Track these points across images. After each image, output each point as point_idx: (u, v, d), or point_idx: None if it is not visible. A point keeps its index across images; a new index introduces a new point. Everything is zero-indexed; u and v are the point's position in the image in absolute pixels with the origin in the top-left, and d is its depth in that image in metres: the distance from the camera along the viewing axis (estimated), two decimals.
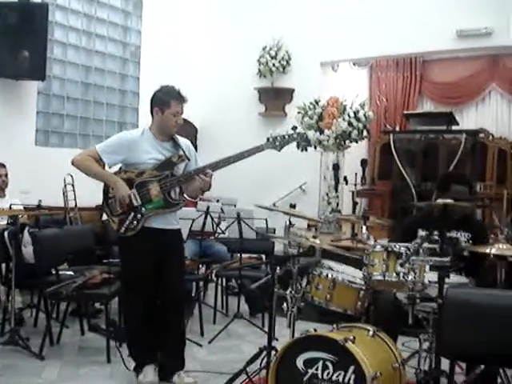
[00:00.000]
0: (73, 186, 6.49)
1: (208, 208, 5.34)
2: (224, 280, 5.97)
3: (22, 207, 5.61)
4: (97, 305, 5.38)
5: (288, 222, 3.73)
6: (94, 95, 7.79)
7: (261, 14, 8.66)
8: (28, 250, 4.79)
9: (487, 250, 3.26)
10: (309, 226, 7.10)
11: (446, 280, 3.24)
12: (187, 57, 8.75)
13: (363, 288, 3.39)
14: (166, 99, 3.75)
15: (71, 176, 6.46)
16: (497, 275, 3.29)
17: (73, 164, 3.80)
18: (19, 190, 5.97)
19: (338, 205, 7.08)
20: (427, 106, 9.79)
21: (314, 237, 3.56)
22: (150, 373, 3.83)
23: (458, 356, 2.57)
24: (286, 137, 3.81)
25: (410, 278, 3.05)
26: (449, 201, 3.22)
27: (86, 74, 7.69)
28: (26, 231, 4.96)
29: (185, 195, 4.16)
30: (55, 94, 7.34)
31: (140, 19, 8.37)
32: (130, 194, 3.69)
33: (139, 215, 3.73)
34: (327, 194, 7.16)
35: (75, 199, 6.55)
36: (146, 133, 3.83)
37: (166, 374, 3.88)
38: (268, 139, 3.80)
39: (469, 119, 9.50)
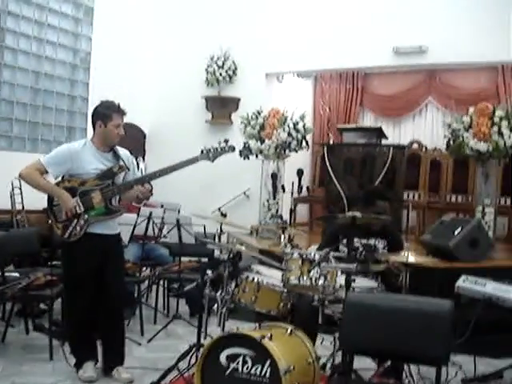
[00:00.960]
0: (20, 189, 6.64)
1: (150, 213, 5.62)
2: (166, 282, 6.24)
3: None
4: (41, 305, 5.56)
5: (219, 230, 4.05)
6: (44, 100, 7.96)
7: (209, 24, 8.97)
8: None
9: (394, 258, 3.65)
10: (251, 232, 7.42)
11: (358, 284, 3.63)
12: (137, 63, 8.99)
13: (285, 291, 3.74)
14: (108, 113, 4.01)
15: (18, 179, 6.62)
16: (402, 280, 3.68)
17: (20, 177, 4.06)
18: None
19: (277, 211, 7.44)
20: (368, 118, 10.21)
21: (241, 243, 3.89)
22: (89, 368, 4.10)
23: (357, 350, 2.93)
24: (219, 149, 4.12)
25: (321, 282, 3.42)
26: (357, 214, 3.58)
27: (36, 79, 7.85)
28: None
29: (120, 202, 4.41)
30: (5, 99, 7.50)
31: (91, 26, 8.56)
32: (75, 206, 3.94)
33: (82, 221, 3.98)
34: (267, 201, 7.52)
35: (22, 202, 6.70)
36: (88, 144, 4.08)
37: (106, 370, 4.17)
38: (202, 151, 4.11)
39: (406, 131, 9.95)
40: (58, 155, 4.06)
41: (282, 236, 3.78)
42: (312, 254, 3.47)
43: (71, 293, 4.17)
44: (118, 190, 4.05)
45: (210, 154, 4.11)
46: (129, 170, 4.13)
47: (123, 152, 4.20)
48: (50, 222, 4.10)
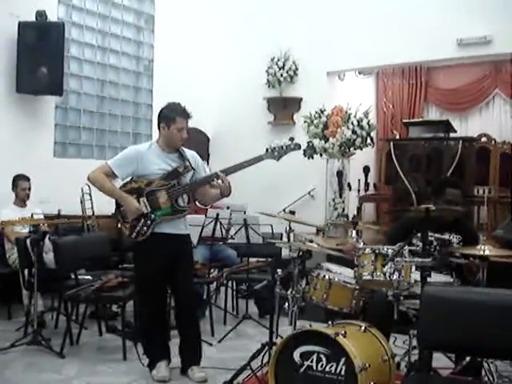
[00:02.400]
0: (90, 195, 6.79)
1: (217, 215, 5.63)
2: (234, 283, 6.26)
3: (42, 216, 5.94)
4: (114, 308, 5.67)
5: (288, 228, 4.02)
6: (109, 108, 8.14)
7: (268, 25, 8.95)
8: (49, 257, 5.11)
9: (471, 252, 3.53)
10: (318, 231, 7.37)
11: (433, 279, 3.53)
12: (198, 69, 9.07)
13: (357, 288, 3.67)
14: (172, 116, 4.06)
15: (88, 186, 6.79)
16: (479, 275, 3.55)
17: (88, 180, 4.15)
18: (39, 199, 6.31)
19: (343, 210, 7.35)
20: (432, 112, 10.00)
21: (311, 241, 3.85)
22: (162, 368, 4.14)
23: (435, 347, 2.84)
24: (284, 147, 4.11)
25: (395, 277, 3.33)
26: (430, 206, 3.48)
27: (101, 87, 8.03)
28: (46, 239, 5.22)
29: (197, 203, 4.45)
30: (72, 108, 7.69)
31: (152, 33, 8.70)
32: (137, 208, 4.01)
33: (149, 221, 4.04)
34: (333, 200, 7.44)
35: (92, 208, 6.86)
36: (153, 146, 4.15)
37: (183, 369, 4.24)
38: (267, 150, 4.12)
39: (473, 124, 9.69)
40: (124, 157, 4.14)
41: (353, 232, 3.72)
42: (385, 249, 3.40)
43: (143, 293, 4.24)
44: (184, 189, 4.09)
45: (276, 153, 4.11)
46: (194, 170, 4.15)
47: (189, 153, 4.23)
48: (118, 223, 4.18)
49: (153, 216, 4.05)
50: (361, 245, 3.60)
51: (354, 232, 3.73)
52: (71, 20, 7.57)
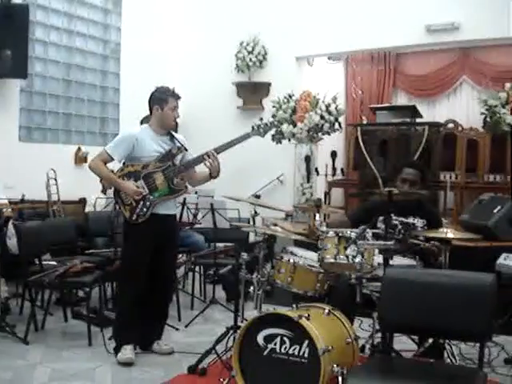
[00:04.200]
0: (55, 180, 6.71)
1: (184, 199, 5.61)
2: (202, 268, 6.25)
3: (6, 201, 5.84)
4: (79, 293, 5.62)
5: (254, 212, 4.03)
6: (76, 92, 8.00)
7: (237, 10, 8.89)
8: (12, 242, 5.04)
9: (434, 235, 3.56)
10: (287, 215, 7.38)
11: (397, 262, 3.56)
12: (166, 53, 8.98)
13: (322, 271, 3.69)
14: (164, 97, 4.23)
15: (54, 171, 6.70)
16: (441, 258, 3.60)
17: (89, 168, 4.29)
18: (3, 184, 6.20)
19: (311, 195, 7.37)
20: (401, 98, 10.05)
21: (275, 225, 3.86)
22: (128, 351, 4.18)
23: (396, 329, 2.86)
24: (268, 124, 4.40)
25: (358, 260, 3.36)
26: (392, 189, 3.50)
27: (68, 71, 7.89)
28: (10, 224, 5.17)
29: (188, 186, 4.54)
30: (37, 91, 7.54)
31: (119, 16, 8.56)
32: (137, 191, 4.14)
33: (148, 203, 4.19)
34: (301, 185, 7.46)
35: (58, 193, 6.77)
36: (146, 129, 4.28)
37: (146, 344, 4.36)
38: (253, 127, 4.36)
39: (441, 110, 9.77)
40: (120, 140, 4.27)
41: (317, 215, 3.73)
42: (348, 232, 3.41)
43: (129, 274, 4.25)
44: (180, 169, 4.24)
45: (261, 130, 4.35)
46: (186, 150, 4.33)
47: (179, 136, 4.43)
48: (117, 205, 4.40)
49: (151, 197, 4.19)
50: (324, 228, 3.62)
51: (318, 215, 3.74)
52: (36, 2, 7.41)
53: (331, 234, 3.47)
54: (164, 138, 4.29)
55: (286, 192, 8.22)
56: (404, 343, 4.13)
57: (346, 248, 3.34)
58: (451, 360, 3.86)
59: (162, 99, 4.21)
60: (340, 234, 3.42)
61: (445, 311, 2.69)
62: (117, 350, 4.22)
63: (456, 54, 9.61)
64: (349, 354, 3.34)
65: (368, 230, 3.37)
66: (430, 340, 3.70)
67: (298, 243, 4.64)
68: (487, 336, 2.68)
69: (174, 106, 4.26)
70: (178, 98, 4.29)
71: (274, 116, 6.16)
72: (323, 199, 6.59)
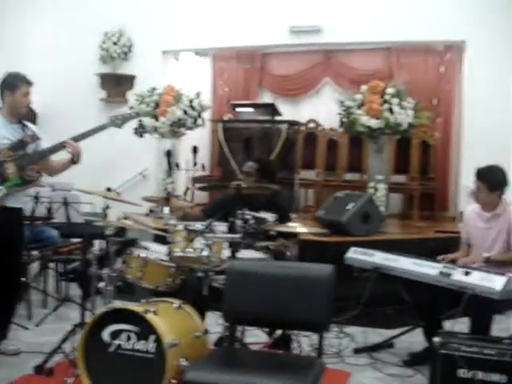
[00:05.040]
0: None
1: (38, 194, 5.38)
2: (57, 265, 6.01)
3: None
4: None
5: (105, 206, 3.93)
6: None
7: (103, 0, 8.67)
8: None
9: (284, 229, 3.64)
10: (150, 211, 7.26)
11: (246, 256, 3.60)
12: (26, 40, 8.59)
13: (173, 265, 3.65)
14: (16, 82, 4.11)
15: None
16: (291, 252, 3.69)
17: None
18: None
19: (174, 190, 7.33)
20: (267, 97, 10.19)
21: (126, 218, 3.79)
22: None
23: (240, 321, 2.89)
24: (126, 115, 4.32)
25: (205, 253, 3.36)
26: (241, 183, 3.55)
27: None
28: None
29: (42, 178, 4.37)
30: None
31: None
32: None
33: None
34: (163, 180, 7.39)
35: None
36: None
37: None
38: (110, 118, 4.26)
39: (304, 111, 9.99)
40: None
41: (166, 208, 3.70)
42: (197, 225, 3.41)
43: None
44: (32, 159, 4.06)
45: (118, 121, 4.24)
46: (39, 139, 4.18)
47: (30, 124, 4.28)
48: None
49: (1, 187, 3.97)
50: (173, 221, 3.59)
51: (167, 208, 3.71)
52: None
53: (180, 227, 3.45)
54: (15, 126, 4.13)
55: (150, 187, 8.10)
56: (259, 336, 4.22)
57: (191, 241, 3.34)
58: (301, 350, 3.96)
59: (13, 84, 4.09)
60: (189, 228, 3.41)
61: (287, 302, 2.75)
62: None
63: (319, 56, 9.89)
64: (197, 347, 3.33)
65: (216, 223, 3.39)
66: (279, 332, 3.78)
67: (158, 239, 4.59)
68: (326, 326, 2.76)
69: (26, 91, 4.13)
70: (29, 83, 4.16)
71: (131, 108, 6.03)
72: (183, 194, 6.56)
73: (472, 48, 7.55)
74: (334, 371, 4.13)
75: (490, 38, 7.33)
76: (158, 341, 3.08)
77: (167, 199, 3.73)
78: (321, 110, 9.87)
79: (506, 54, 7.23)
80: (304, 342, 4.09)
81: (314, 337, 4.32)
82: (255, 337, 4.23)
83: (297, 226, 3.68)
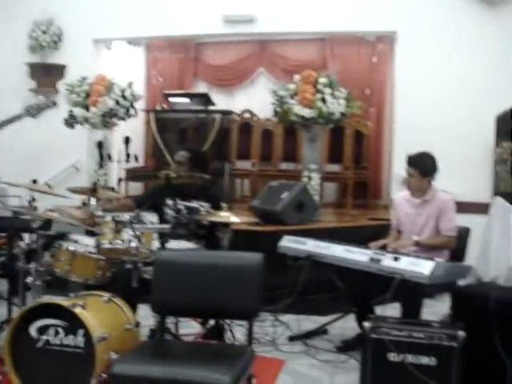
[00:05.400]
0: None
1: None
2: None
3: None
4: None
5: (31, 198, 3.81)
6: None
7: None
8: None
9: (216, 219, 3.61)
10: (83, 204, 7.09)
11: (178, 246, 3.56)
12: None
13: (102, 258, 3.58)
14: None
15: None
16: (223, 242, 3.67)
17: None
18: None
19: (106, 182, 7.18)
20: (202, 87, 10.11)
21: (51, 210, 3.69)
22: None
23: (169, 312, 2.86)
24: (42, 105, 4.23)
25: (134, 244, 3.31)
26: (170, 172, 3.51)
27: None
28: None
29: None
30: None
31: None
32: None
33: None
34: (96, 172, 7.24)
35: None
36: None
37: None
38: (25, 108, 4.16)
39: (239, 101, 9.96)
40: None
41: (93, 199, 3.62)
42: (125, 216, 3.35)
43: None
44: None
45: (33, 111, 4.18)
46: None
47: None
48: None
49: None
50: (100, 212, 3.52)
51: (94, 200, 3.63)
52: None
53: (108, 218, 3.39)
54: None
55: (83, 179, 7.93)
56: (194, 327, 4.19)
57: (118, 232, 3.28)
58: (233, 340, 3.96)
59: None
60: (116, 219, 3.34)
61: (216, 291, 2.75)
62: None
63: (254, 46, 9.88)
64: (128, 340, 3.28)
65: (145, 213, 3.34)
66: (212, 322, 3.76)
67: (90, 232, 4.49)
68: (256, 313, 2.76)
69: None
70: None
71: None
72: (116, 185, 6.44)
73: (403, 39, 7.70)
74: (268, 359, 4.16)
75: (420, 29, 7.48)
76: (87, 335, 3.03)
77: (94, 190, 3.64)
78: (256, 100, 9.86)
79: (435, 45, 7.41)
80: (239, 332, 4.10)
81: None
82: (191, 328, 4.21)
83: (229, 216, 3.66)
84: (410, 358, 3.35)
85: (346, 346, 4.42)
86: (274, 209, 5.95)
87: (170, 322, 3.87)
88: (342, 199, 8.66)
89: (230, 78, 10.02)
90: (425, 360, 3.34)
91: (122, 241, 3.30)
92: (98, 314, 3.17)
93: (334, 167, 8.53)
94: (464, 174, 6.94)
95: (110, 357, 3.03)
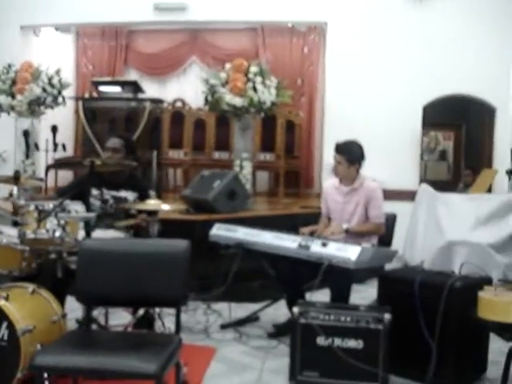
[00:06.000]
0: None
1: None
2: None
3: None
4: None
5: None
6: None
7: None
8: None
9: (144, 207, 3.58)
10: (10, 194, 6.88)
11: (105, 235, 3.51)
12: None
13: (27, 249, 3.49)
14: None
15: None
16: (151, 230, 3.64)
17: None
18: None
19: (34, 172, 7.00)
20: (133, 75, 9.96)
21: None
22: None
23: (93, 301, 2.82)
24: None
25: (58, 234, 3.24)
26: (95, 160, 3.44)
27: None
28: None
29: None
30: None
31: None
32: None
33: None
34: (23, 162, 7.04)
35: None
36: None
37: None
38: None
39: (171, 90, 9.91)
40: None
41: (14, 188, 3.51)
42: (49, 205, 3.27)
43: None
44: None
45: None
46: None
47: None
48: None
49: None
50: (23, 201, 3.42)
51: (16, 188, 3.53)
52: None
53: (32, 207, 3.30)
54: None
55: (10, 170, 7.69)
56: (126, 318, 4.14)
57: (40, 221, 3.20)
58: (163, 329, 3.93)
59: None
60: (40, 208, 3.26)
61: (143, 280, 2.72)
62: None
63: (186, 34, 9.82)
64: (54, 332, 3.21)
65: (69, 202, 3.27)
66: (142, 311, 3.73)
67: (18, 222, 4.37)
68: (182, 300, 2.75)
69: None
70: None
71: None
72: (45, 175, 6.29)
73: (333, 29, 7.80)
74: (200, 348, 4.17)
75: (350, 20, 7.61)
76: (11, 327, 2.96)
77: (16, 178, 3.53)
78: (188, 89, 9.83)
79: (365, 36, 7.54)
80: (170, 321, 4.07)
81: (183, 314, 4.35)
82: (121, 319, 4.16)
83: (158, 204, 3.62)
84: (338, 342, 3.43)
85: (276, 332, 4.47)
86: (205, 198, 5.94)
87: (99, 312, 3.83)
88: (274, 188, 8.74)
89: (161, 66, 9.94)
90: (352, 343, 3.42)
91: (47, 230, 3.22)
92: (23, 306, 3.09)
93: (266, 156, 8.57)
94: (393, 163, 7.12)
95: (36, 349, 2.97)
